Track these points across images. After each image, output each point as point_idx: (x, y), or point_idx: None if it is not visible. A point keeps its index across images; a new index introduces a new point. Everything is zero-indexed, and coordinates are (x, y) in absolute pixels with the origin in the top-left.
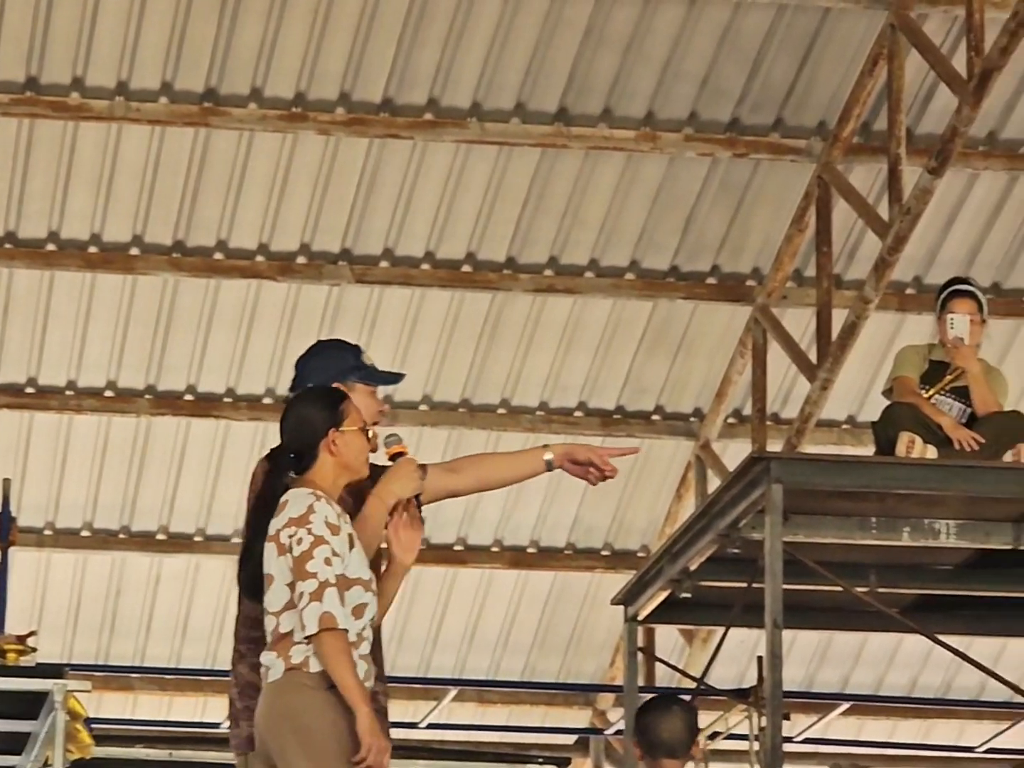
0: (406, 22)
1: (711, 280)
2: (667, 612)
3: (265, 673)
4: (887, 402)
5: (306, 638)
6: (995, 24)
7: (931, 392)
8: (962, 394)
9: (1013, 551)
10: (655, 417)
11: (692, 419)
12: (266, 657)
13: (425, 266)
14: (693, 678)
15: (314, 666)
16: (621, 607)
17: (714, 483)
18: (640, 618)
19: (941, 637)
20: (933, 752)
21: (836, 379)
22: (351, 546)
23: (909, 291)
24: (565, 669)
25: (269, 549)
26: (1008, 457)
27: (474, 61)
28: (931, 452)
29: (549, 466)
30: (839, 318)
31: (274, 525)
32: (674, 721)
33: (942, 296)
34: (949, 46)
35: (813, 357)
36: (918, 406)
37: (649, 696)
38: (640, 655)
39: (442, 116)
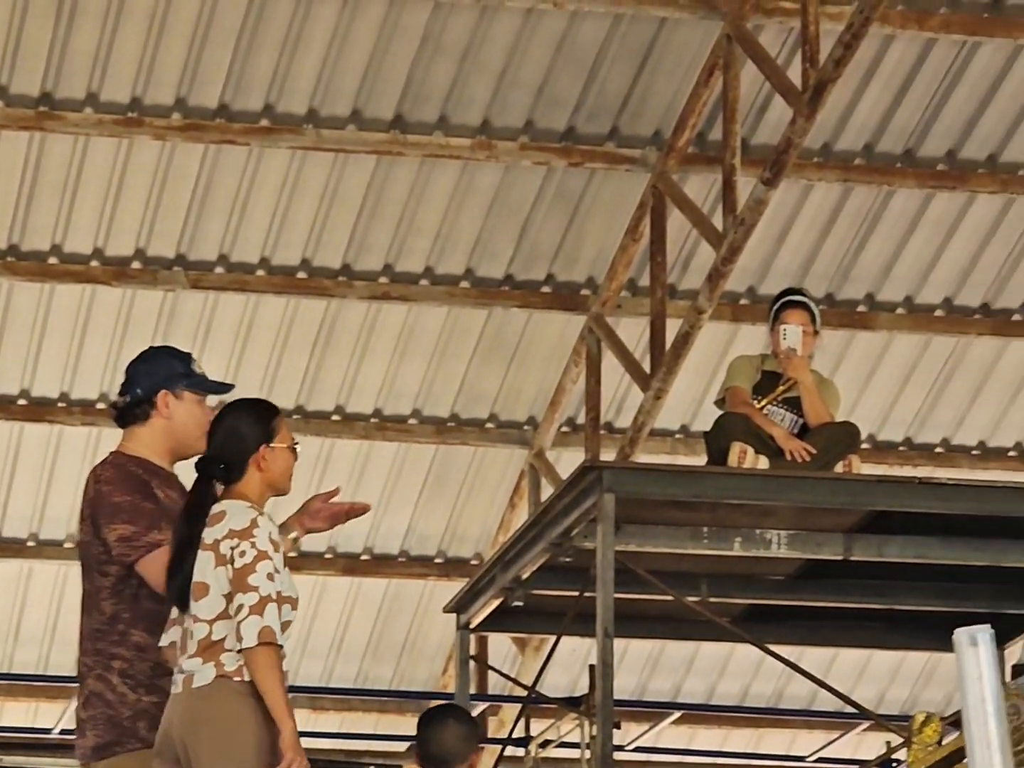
0: (243, 28)
1: (546, 289)
2: (499, 620)
3: (188, 679)
4: (720, 412)
5: (241, 650)
6: (830, 36)
7: (763, 403)
8: (794, 405)
9: (844, 562)
10: (489, 425)
11: (526, 427)
12: (190, 663)
13: (260, 272)
14: (525, 686)
15: (247, 675)
16: (454, 615)
17: (548, 492)
18: (472, 626)
19: (772, 647)
20: (764, 761)
21: (669, 389)
22: (284, 564)
23: (743, 301)
24: (398, 676)
25: (205, 558)
26: (839, 468)
27: (310, 68)
28: (763, 462)
29: (297, 542)
30: (673, 328)
31: (211, 535)
32: (448, 732)
33: (775, 307)
34: (784, 57)
35: (647, 367)
36: (750, 416)
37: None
38: (472, 663)
39: (278, 122)
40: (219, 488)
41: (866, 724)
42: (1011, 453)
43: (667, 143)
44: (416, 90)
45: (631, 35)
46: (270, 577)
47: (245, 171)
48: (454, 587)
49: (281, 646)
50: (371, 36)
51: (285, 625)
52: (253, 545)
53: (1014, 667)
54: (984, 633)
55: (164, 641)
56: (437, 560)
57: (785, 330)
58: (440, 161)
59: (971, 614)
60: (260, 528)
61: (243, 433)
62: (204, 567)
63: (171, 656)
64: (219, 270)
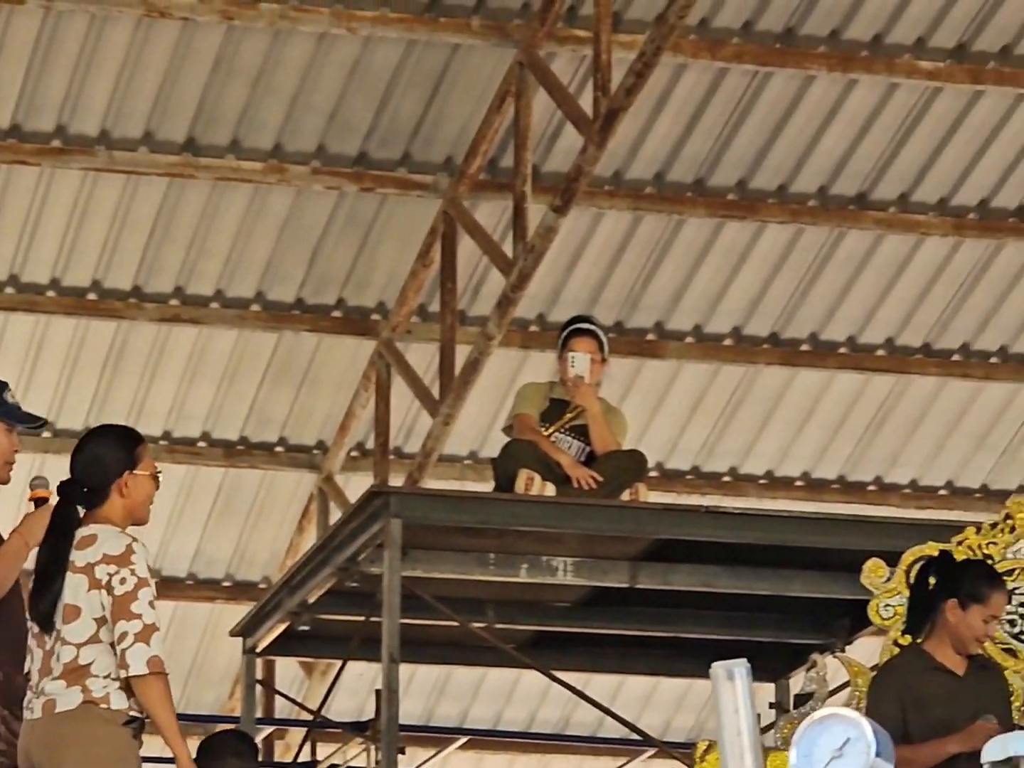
0: (35, 48)
1: (336, 313)
2: (286, 644)
3: (49, 703)
4: (507, 439)
5: (128, 677)
6: (623, 64)
7: (551, 430)
8: (581, 432)
9: (630, 589)
10: (278, 449)
11: (315, 452)
12: (53, 686)
13: (50, 293)
14: (311, 711)
15: (115, 703)
16: (240, 639)
17: (336, 516)
18: (259, 650)
19: (559, 673)
20: None
21: (458, 414)
22: None
23: (533, 328)
24: (185, 699)
25: (77, 581)
26: (626, 496)
27: (103, 89)
28: (549, 490)
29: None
30: (463, 354)
31: (83, 558)
32: (226, 763)
33: (563, 334)
34: (577, 85)
35: (436, 392)
36: (537, 444)
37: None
38: (259, 687)
39: (70, 143)
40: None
41: (652, 751)
42: (798, 483)
43: (459, 169)
44: (209, 113)
45: (424, 61)
46: (152, 605)
47: (36, 192)
48: (242, 610)
49: (168, 675)
50: (164, 58)
51: None
52: (133, 572)
53: (796, 696)
54: (741, 668)
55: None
56: (225, 583)
57: (573, 358)
58: (232, 184)
59: (756, 642)
60: (137, 555)
61: (106, 459)
62: (76, 590)
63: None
64: (9, 290)
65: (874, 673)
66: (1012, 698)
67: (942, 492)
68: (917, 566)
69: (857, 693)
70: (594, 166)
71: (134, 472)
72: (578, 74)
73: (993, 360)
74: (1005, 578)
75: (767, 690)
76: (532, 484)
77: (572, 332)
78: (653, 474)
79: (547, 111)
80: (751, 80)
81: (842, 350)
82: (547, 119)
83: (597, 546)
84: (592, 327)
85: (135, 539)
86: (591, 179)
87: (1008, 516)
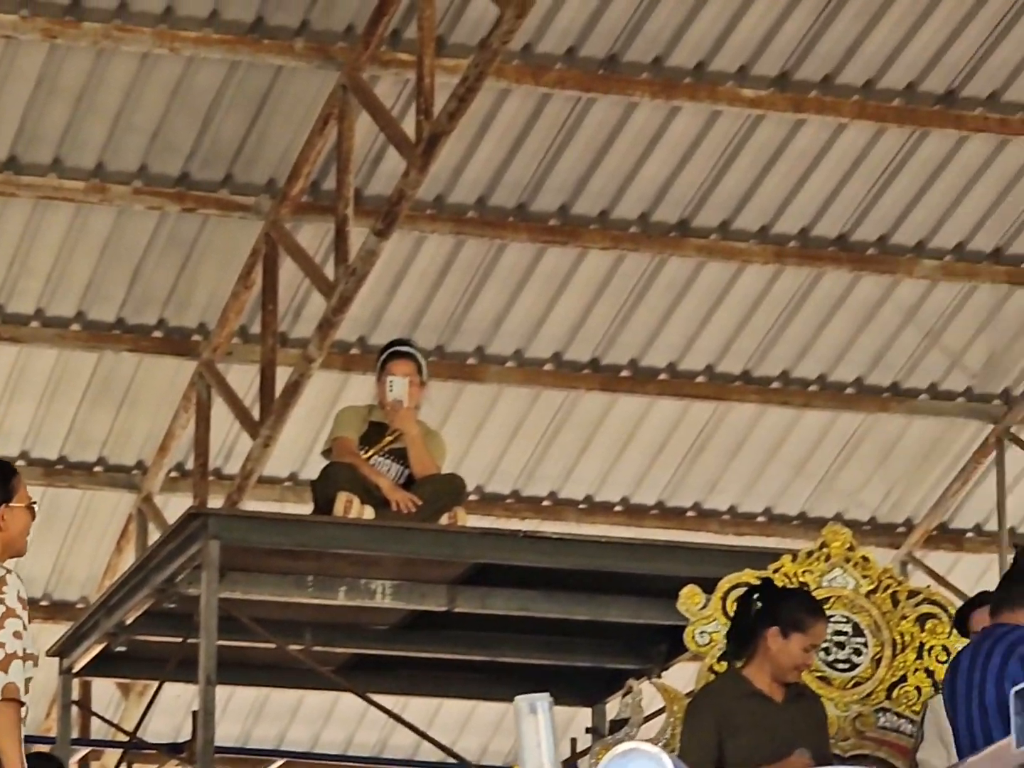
0: None
1: (157, 333)
2: (103, 665)
3: None
4: (327, 462)
5: None
6: (446, 88)
7: (370, 453)
8: (401, 456)
9: (447, 613)
10: (97, 468)
11: (135, 471)
12: None
13: None
14: (127, 732)
15: None
16: (56, 659)
17: (155, 537)
18: (75, 670)
19: (376, 696)
20: None
21: (279, 436)
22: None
23: (354, 351)
24: None
25: None
26: (444, 520)
27: None
28: (368, 512)
29: None
30: (284, 375)
31: None
32: None
33: (382, 357)
34: (400, 109)
35: (256, 414)
36: (357, 467)
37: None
38: (75, 708)
39: None
40: None
41: None
42: (617, 508)
43: (281, 191)
44: (31, 131)
45: (247, 82)
46: (17, 635)
47: None
48: (59, 630)
49: (24, 703)
50: None
51: (27, 683)
52: (2, 602)
53: (612, 722)
54: (543, 701)
55: None
56: (43, 603)
57: (391, 382)
58: (53, 203)
59: (574, 667)
60: (9, 586)
61: None
62: None
63: None
64: None
65: (689, 700)
66: (828, 726)
67: (760, 519)
68: (734, 593)
69: (672, 720)
70: (416, 190)
71: (10, 504)
72: (401, 97)
73: (812, 388)
74: None
75: (584, 715)
76: (351, 507)
77: (390, 355)
78: (473, 498)
79: (370, 134)
80: (574, 106)
81: (662, 376)
82: (370, 142)
83: (416, 569)
84: (410, 350)
85: (9, 571)
86: (413, 203)
87: (823, 545)
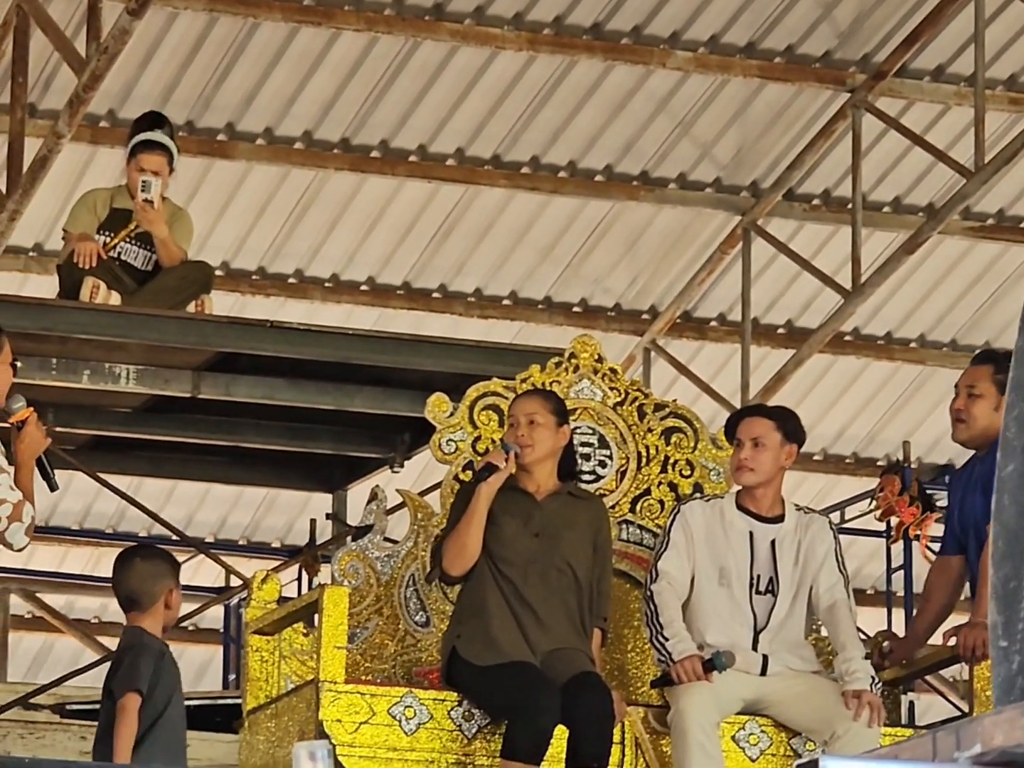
0: None
1: None
2: None
3: None
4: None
5: None
6: None
7: (115, 240)
8: (147, 240)
9: (192, 399)
10: None
11: None
12: None
13: None
14: None
15: None
16: None
17: None
18: None
19: (115, 477)
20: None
21: (25, 210)
22: None
23: (103, 124)
24: None
25: None
26: (192, 308)
27: None
28: (115, 299)
29: None
30: (32, 147)
31: None
32: (131, 573)
33: (134, 141)
34: None
35: (3, 186)
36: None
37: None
38: None
39: None
40: None
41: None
42: (363, 288)
43: None
44: None
45: None
46: None
47: None
48: None
49: None
50: None
51: None
52: None
53: (357, 529)
54: (322, 749)
55: None
56: None
57: (145, 182)
58: None
59: (317, 454)
60: None
61: None
62: None
63: None
64: None
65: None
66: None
67: (506, 302)
68: (481, 402)
69: (415, 527)
70: None
71: None
72: None
73: (562, 174)
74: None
75: (325, 500)
76: (98, 292)
77: (143, 144)
78: (219, 273)
79: None
80: None
81: (412, 158)
82: None
83: (161, 356)
84: (163, 139)
85: None
86: None
87: (572, 355)
